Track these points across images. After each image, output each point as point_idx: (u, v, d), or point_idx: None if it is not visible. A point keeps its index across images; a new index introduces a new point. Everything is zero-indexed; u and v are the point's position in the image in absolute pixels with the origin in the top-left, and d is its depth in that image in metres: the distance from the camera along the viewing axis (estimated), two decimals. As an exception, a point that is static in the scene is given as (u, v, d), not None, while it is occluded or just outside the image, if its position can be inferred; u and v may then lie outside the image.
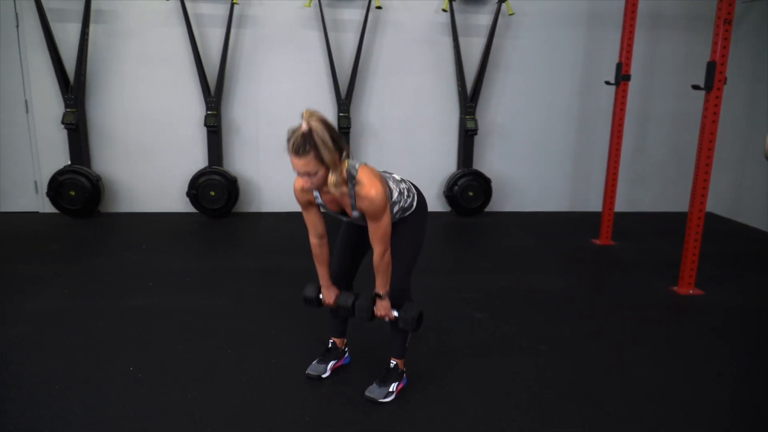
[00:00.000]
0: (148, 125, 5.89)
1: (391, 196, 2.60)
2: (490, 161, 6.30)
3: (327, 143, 2.28)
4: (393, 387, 2.83)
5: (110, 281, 4.20)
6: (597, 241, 5.42)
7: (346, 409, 2.73)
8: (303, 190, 2.60)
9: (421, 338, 3.41)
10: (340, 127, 5.79)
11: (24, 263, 4.51)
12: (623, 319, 3.78)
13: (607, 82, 5.17)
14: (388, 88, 6.07)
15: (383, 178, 2.54)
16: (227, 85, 5.87)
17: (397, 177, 2.76)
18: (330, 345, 3.08)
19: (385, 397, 2.79)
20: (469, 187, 5.98)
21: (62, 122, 5.50)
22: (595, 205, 6.25)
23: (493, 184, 6.14)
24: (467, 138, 6.01)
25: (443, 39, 6.01)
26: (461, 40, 5.92)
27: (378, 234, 2.55)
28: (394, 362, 2.90)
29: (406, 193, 2.71)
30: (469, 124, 5.90)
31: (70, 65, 5.54)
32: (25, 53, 5.58)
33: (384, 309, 2.73)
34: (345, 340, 3.13)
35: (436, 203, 6.35)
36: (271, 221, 5.89)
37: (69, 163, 5.67)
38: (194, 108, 5.85)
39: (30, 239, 5.13)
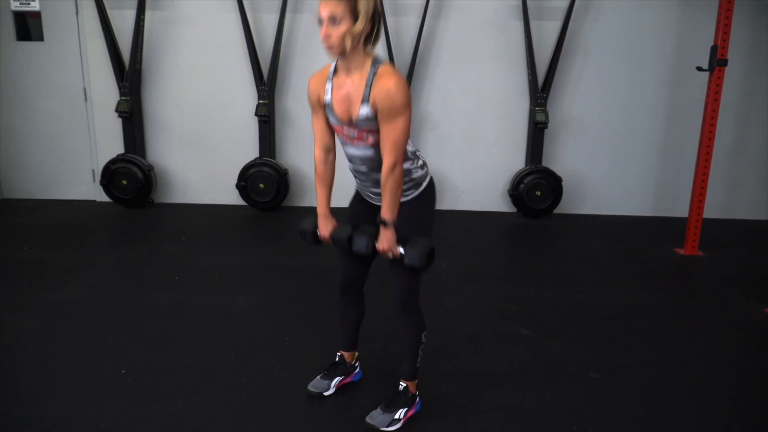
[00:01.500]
0: (201, 114, 5.76)
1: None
2: (562, 158, 5.69)
3: None
4: (400, 414, 2.42)
5: (138, 274, 4.04)
6: (681, 251, 4.72)
7: (339, 437, 2.34)
8: (316, 79, 2.24)
9: (447, 355, 2.97)
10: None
11: (60, 252, 4.45)
12: (702, 347, 3.15)
13: (699, 68, 4.46)
14: (451, 77, 5.60)
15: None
16: (281, 74, 5.62)
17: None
18: (337, 359, 2.70)
19: (388, 426, 2.38)
20: (537, 185, 5.41)
21: (116, 110, 5.46)
22: (683, 210, 5.47)
23: (565, 184, 5.53)
24: (536, 132, 5.44)
25: (513, 23, 5.47)
26: (533, 24, 5.36)
27: (390, 138, 2.09)
28: (404, 384, 2.48)
29: (419, 157, 2.29)
30: (539, 117, 5.33)
31: (126, 53, 5.49)
32: (84, 41, 5.59)
33: (387, 241, 2.22)
34: (356, 354, 2.74)
35: (500, 202, 5.82)
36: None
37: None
38: (247, 97, 5.64)
39: (75, 228, 5.10)
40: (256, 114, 5.44)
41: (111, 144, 5.74)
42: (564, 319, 3.45)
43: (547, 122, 5.34)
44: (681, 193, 5.63)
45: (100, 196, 5.87)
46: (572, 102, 5.58)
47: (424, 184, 2.33)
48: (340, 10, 1.98)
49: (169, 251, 4.53)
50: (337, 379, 2.65)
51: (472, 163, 5.76)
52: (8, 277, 3.93)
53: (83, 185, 5.98)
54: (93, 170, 5.90)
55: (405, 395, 2.46)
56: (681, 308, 3.65)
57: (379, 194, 2.27)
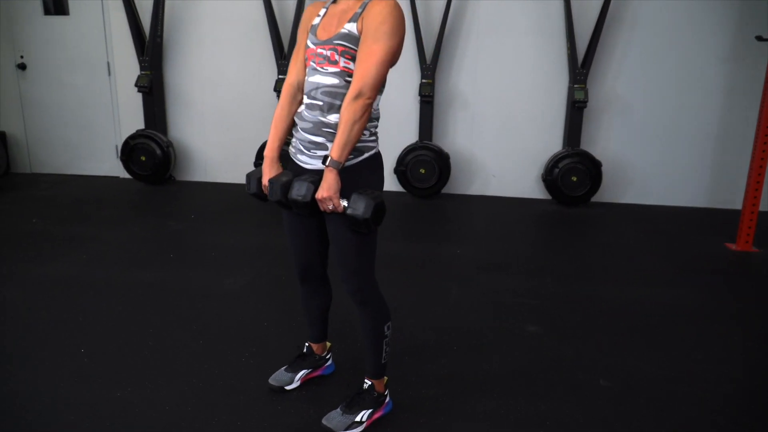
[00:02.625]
0: (223, 90, 5.57)
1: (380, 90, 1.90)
2: (604, 141, 5.18)
3: None
4: (362, 416, 2.10)
5: (135, 250, 3.87)
6: (733, 246, 4.18)
7: (287, 439, 2.05)
8: (313, 6, 2.04)
9: (437, 352, 2.64)
10: (422, 95, 5.04)
11: (66, 225, 4.35)
12: (746, 358, 2.69)
13: (759, 38, 3.90)
14: (483, 52, 5.19)
15: None
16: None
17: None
18: (305, 350, 2.41)
19: (346, 429, 2.07)
20: (573, 170, 4.94)
21: (136, 85, 5.33)
22: (741, 201, 4.90)
23: (605, 169, 5.04)
24: (575, 111, 4.97)
25: (553, -7, 5.01)
26: (575, -7, 4.89)
27: (366, 62, 1.80)
28: (369, 383, 2.16)
29: (375, 126, 2.00)
30: (578, 95, 4.86)
31: (147, 26, 5.35)
32: (108, 15, 5.48)
33: (327, 187, 1.84)
34: (327, 344, 2.45)
35: (533, 188, 5.38)
36: None
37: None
38: (268, 73, 5.40)
39: (89, 203, 5.01)
40: (275, 89, 5.20)
41: (133, 119, 5.64)
42: (582, 317, 3.04)
43: (587, 101, 4.85)
44: (739, 183, 5.03)
45: (123, 172, 5.77)
46: (616, 79, 5.06)
47: (369, 153, 1.97)
48: None
49: (173, 229, 4.36)
50: (302, 372, 2.36)
51: (504, 146, 5.34)
52: (5, 247, 3.84)
53: (107, 161, 5.91)
54: (116, 146, 5.81)
55: (370, 395, 2.15)
56: (725, 311, 3.17)
57: (315, 146, 1.95)
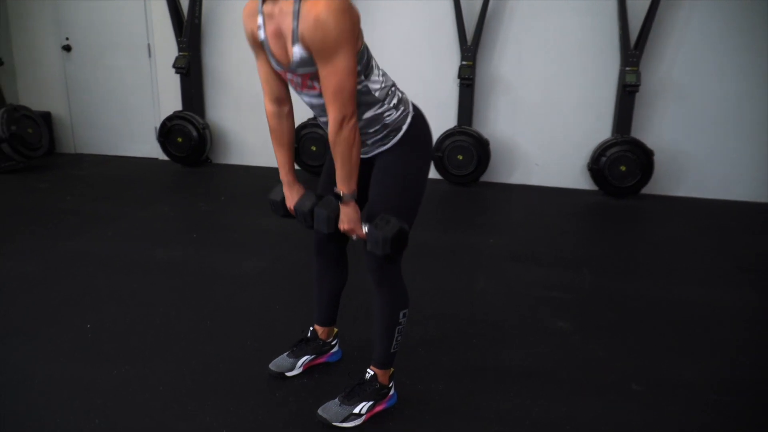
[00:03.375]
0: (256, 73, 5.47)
1: (363, 57, 1.69)
2: (656, 129, 4.83)
3: None
4: (361, 408, 1.95)
5: (159, 229, 3.83)
6: (796, 245, 3.81)
7: (286, 429, 1.91)
8: (247, 11, 1.77)
9: (454, 344, 2.45)
10: (462, 78, 4.82)
11: (97, 203, 4.36)
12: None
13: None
14: (528, 33, 4.91)
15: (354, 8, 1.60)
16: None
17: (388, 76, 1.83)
18: (309, 334, 2.26)
19: (343, 421, 1.92)
20: (621, 159, 4.62)
21: (174, 66, 5.31)
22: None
23: (658, 159, 4.70)
24: (625, 96, 4.64)
25: (606, -31, 4.69)
26: (629, -31, 4.56)
27: (331, 85, 1.61)
28: (372, 372, 2.00)
29: (391, 95, 1.79)
30: (629, 78, 4.53)
31: (185, 6, 5.31)
32: (149, -5, 5.48)
33: (348, 220, 1.80)
34: (334, 330, 2.30)
35: (579, 178, 5.08)
36: None
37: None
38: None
39: (125, 182, 5.03)
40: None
41: (172, 101, 5.62)
42: (618, 315, 2.79)
43: (638, 85, 4.53)
44: (807, 177, 4.62)
45: (162, 154, 5.78)
46: (672, 62, 4.70)
47: (405, 126, 1.83)
48: None
49: (201, 210, 4.30)
50: (305, 358, 2.22)
51: (548, 132, 5.06)
52: (36, 223, 3.86)
53: (147, 143, 5.93)
54: (155, 127, 5.82)
55: (371, 386, 1.98)
56: (780, 313, 2.86)
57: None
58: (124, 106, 5.87)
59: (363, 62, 1.69)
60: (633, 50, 4.56)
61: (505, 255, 3.51)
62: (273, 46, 1.70)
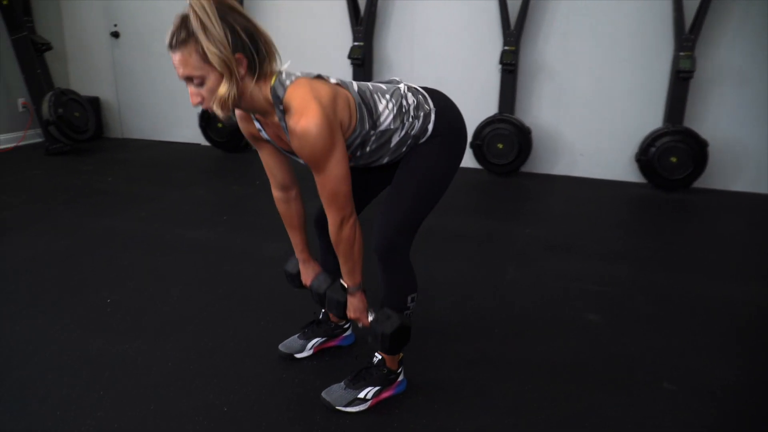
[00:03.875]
0: (299, 56, 5.44)
1: (364, 122, 1.64)
2: (712, 118, 4.54)
3: (212, 31, 1.39)
4: (367, 393, 1.86)
5: (191, 211, 3.84)
6: None
7: (288, 410, 1.84)
8: (240, 118, 1.74)
9: (474, 333, 2.35)
10: (504, 64, 4.65)
11: (135, 185, 4.43)
12: None
13: None
14: (575, 16, 4.70)
15: (332, 95, 1.55)
16: (380, 13, 5.11)
17: (397, 86, 1.76)
18: (321, 316, 2.19)
19: (347, 405, 1.84)
20: (673, 150, 4.37)
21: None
22: None
23: (712, 150, 4.42)
24: (679, 83, 4.38)
25: (661, -51, 4.43)
26: (686, -53, 4.29)
27: (326, 191, 1.62)
28: (379, 357, 1.91)
29: (406, 112, 1.71)
30: (683, 64, 4.27)
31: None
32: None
33: (353, 309, 1.84)
34: (347, 314, 2.21)
35: (627, 170, 4.83)
36: None
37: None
38: (343, 39, 5.21)
39: (165, 166, 5.10)
40: (348, 57, 5.00)
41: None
42: (655, 310, 2.61)
43: (693, 71, 4.26)
44: None
45: (204, 140, 5.83)
46: (731, 47, 4.40)
47: (430, 126, 1.76)
48: (191, 65, 1.43)
49: (236, 193, 4.31)
50: (315, 341, 2.15)
51: (595, 121, 4.84)
52: (74, 202, 3.94)
53: (190, 128, 5.98)
54: (198, 114, 5.87)
55: (378, 371, 1.89)
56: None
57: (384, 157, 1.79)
58: (169, 92, 5.94)
59: (366, 125, 1.65)
60: (688, 34, 4.29)
61: (541, 245, 3.36)
62: (279, 144, 1.70)
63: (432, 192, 1.80)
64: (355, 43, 5.00)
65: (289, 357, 2.12)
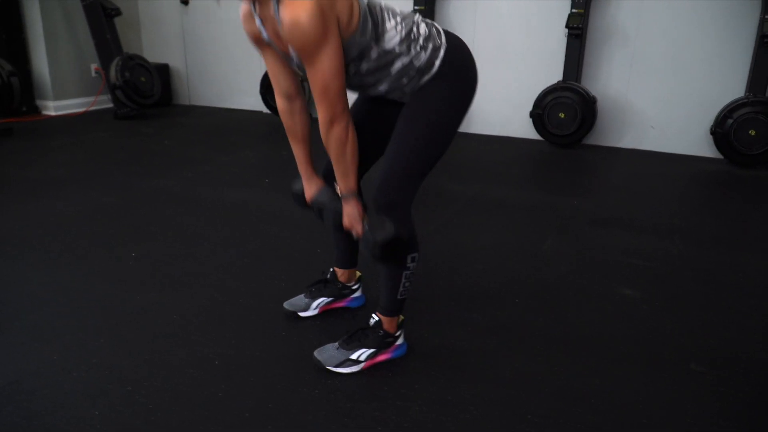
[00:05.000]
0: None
1: (366, 30, 1.54)
2: (803, 88, 4.10)
3: None
4: (360, 355, 1.79)
5: (237, 173, 3.90)
6: None
7: (279, 368, 1.80)
8: (244, 16, 1.66)
9: (495, 303, 2.22)
10: (570, 28, 4.37)
11: (189, 148, 4.54)
12: None
13: None
14: (651, -24, 4.34)
15: None
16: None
17: (412, 14, 1.66)
18: (328, 276, 2.12)
19: (338, 366, 1.77)
20: (751, 122, 3.97)
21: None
22: None
23: (800, 123, 3.99)
24: (764, 49, 3.97)
25: None
26: None
27: (317, 85, 1.52)
28: (376, 318, 1.82)
29: (415, 40, 1.60)
30: (768, 27, 3.87)
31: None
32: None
33: (348, 218, 1.73)
34: (357, 273, 2.15)
35: (702, 144, 4.45)
36: (475, 143, 4.84)
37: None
38: (402, 3, 5.06)
39: (222, 131, 5.19)
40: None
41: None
42: (704, 288, 2.37)
43: (779, 34, 3.84)
44: None
45: (265, 107, 5.88)
46: (829, 7, 3.93)
47: (437, 62, 1.63)
48: None
49: (283, 157, 4.30)
50: (321, 300, 2.09)
51: (669, 91, 4.47)
52: (128, 162, 4.07)
53: (253, 96, 6.03)
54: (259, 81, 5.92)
55: (375, 333, 1.81)
56: None
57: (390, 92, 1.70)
58: (234, 61, 6.02)
59: (367, 35, 1.54)
60: (777, -7, 3.86)
61: (587, 217, 3.14)
62: (279, 45, 1.61)
63: (435, 142, 1.68)
64: (416, 6, 4.84)
65: (294, 315, 2.07)
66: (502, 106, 4.92)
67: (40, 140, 4.64)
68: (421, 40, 1.61)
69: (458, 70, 1.67)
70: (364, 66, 1.59)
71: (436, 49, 1.62)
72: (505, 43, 4.84)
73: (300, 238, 2.78)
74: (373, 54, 1.57)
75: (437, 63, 1.63)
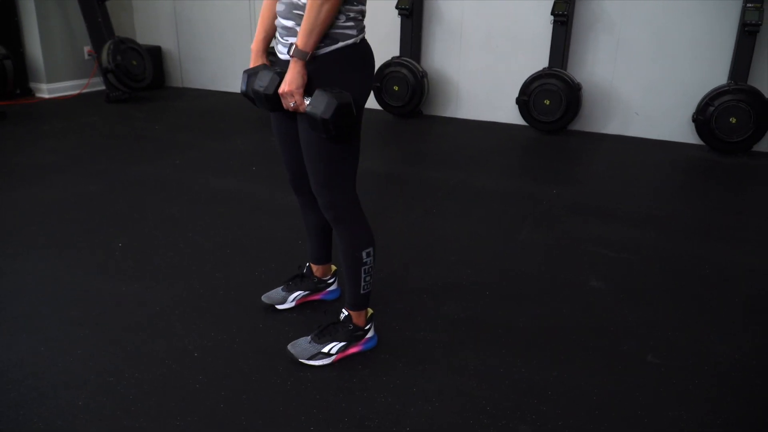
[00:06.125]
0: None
1: None
2: (784, 76, 4.14)
3: None
4: (331, 348, 1.88)
5: (224, 160, 3.96)
6: None
7: (254, 360, 1.89)
8: None
9: (465, 294, 2.31)
10: (556, 15, 4.39)
11: (179, 133, 4.58)
12: None
13: None
14: (637, -37, 4.35)
15: None
16: (434, -38, 4.94)
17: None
18: (305, 271, 2.21)
19: (310, 359, 1.87)
20: (732, 110, 4.02)
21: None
22: None
23: (780, 112, 4.04)
24: (745, 37, 4.00)
25: None
26: None
27: None
28: (345, 313, 1.91)
29: (349, 17, 1.64)
30: (750, 16, 3.88)
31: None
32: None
33: (290, 81, 1.60)
34: (332, 267, 2.24)
35: (685, 131, 4.50)
36: (463, 128, 4.90)
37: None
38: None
39: (213, 116, 5.23)
40: (397, 7, 4.87)
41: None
42: (668, 279, 2.46)
43: (760, 24, 3.87)
44: None
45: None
46: (811, -4, 3.96)
47: (345, 42, 1.64)
48: None
49: (271, 144, 4.35)
50: (297, 294, 2.18)
51: (653, 78, 4.51)
52: (116, 148, 4.12)
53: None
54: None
55: (345, 327, 1.90)
56: None
57: (287, 32, 1.69)
58: (226, 43, 6.03)
59: None
60: (760, -18, 3.89)
61: (565, 206, 3.22)
62: None
63: (346, 145, 1.73)
64: (403, -7, 4.86)
65: (271, 308, 2.16)
66: (489, 91, 4.96)
67: (33, 124, 4.69)
68: (354, 9, 1.63)
69: (361, 58, 1.69)
70: None
71: (348, 34, 1.64)
72: (492, 29, 4.86)
73: (282, 228, 2.86)
74: None
75: (341, 43, 1.62)
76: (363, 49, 1.71)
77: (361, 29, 1.69)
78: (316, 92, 1.60)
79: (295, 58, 1.60)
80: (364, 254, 1.80)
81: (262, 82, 1.70)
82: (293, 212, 2.93)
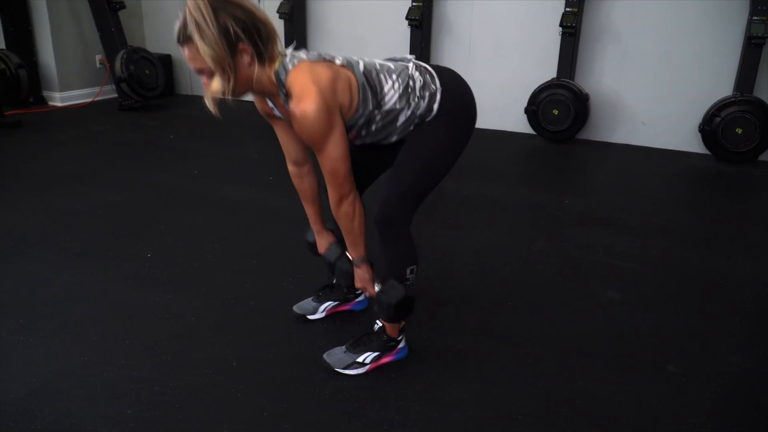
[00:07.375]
0: (358, 19, 5.45)
1: (367, 102, 1.70)
2: (789, 88, 4.24)
3: (206, 31, 1.49)
4: (365, 357, 1.96)
5: (241, 169, 4.04)
6: None
7: (291, 369, 1.97)
8: (256, 97, 1.85)
9: (485, 305, 2.39)
10: (564, 26, 4.48)
11: (194, 142, 4.65)
12: None
13: None
14: (644, -24, 4.45)
15: (331, 78, 1.62)
16: (443, -27, 5.03)
17: (406, 66, 1.80)
18: (334, 281, 2.29)
19: (346, 368, 1.94)
20: (738, 120, 4.12)
21: (278, 11, 5.42)
22: None
23: (785, 123, 4.13)
24: (751, 49, 4.09)
25: None
26: None
27: (326, 170, 1.72)
28: (380, 324, 1.99)
29: (413, 92, 1.76)
30: (756, 29, 3.98)
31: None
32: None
33: (360, 280, 1.96)
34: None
35: (691, 141, 4.59)
36: (472, 137, 4.95)
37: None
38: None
39: (228, 124, 5.14)
40: (407, 18, 4.95)
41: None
42: (682, 290, 2.54)
43: (766, 37, 3.97)
44: None
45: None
46: (815, 10, 4.05)
47: (435, 105, 1.79)
48: (200, 62, 1.55)
49: (286, 153, 4.44)
50: (328, 304, 2.26)
51: (660, 88, 4.61)
52: (134, 157, 4.20)
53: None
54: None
55: (379, 337, 1.98)
56: None
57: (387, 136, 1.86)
58: (234, 51, 6.10)
59: (369, 106, 1.71)
60: (765, -4, 3.98)
61: (576, 216, 3.30)
62: (287, 117, 1.76)
63: (435, 168, 1.84)
64: (414, 4, 4.94)
65: (302, 318, 2.24)
66: (498, 101, 5.04)
67: (47, 133, 4.76)
68: (418, 91, 1.76)
69: (455, 106, 1.83)
70: (373, 127, 1.76)
71: (432, 95, 1.78)
72: (501, 40, 4.95)
73: (300, 240, 2.92)
74: (378, 117, 1.74)
75: (435, 107, 1.79)
76: (450, 91, 1.81)
77: (427, 82, 1.78)
78: (380, 291, 1.88)
79: (356, 264, 1.93)
80: (408, 271, 1.89)
81: (341, 280, 2.07)
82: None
